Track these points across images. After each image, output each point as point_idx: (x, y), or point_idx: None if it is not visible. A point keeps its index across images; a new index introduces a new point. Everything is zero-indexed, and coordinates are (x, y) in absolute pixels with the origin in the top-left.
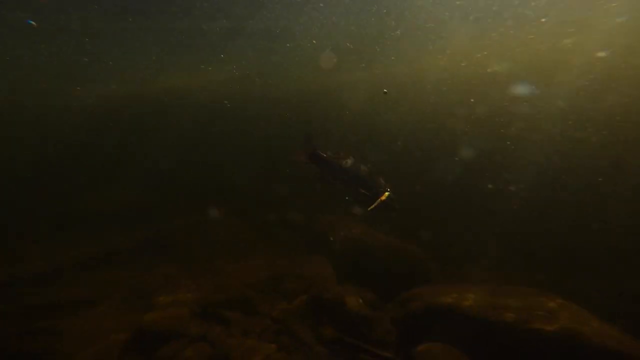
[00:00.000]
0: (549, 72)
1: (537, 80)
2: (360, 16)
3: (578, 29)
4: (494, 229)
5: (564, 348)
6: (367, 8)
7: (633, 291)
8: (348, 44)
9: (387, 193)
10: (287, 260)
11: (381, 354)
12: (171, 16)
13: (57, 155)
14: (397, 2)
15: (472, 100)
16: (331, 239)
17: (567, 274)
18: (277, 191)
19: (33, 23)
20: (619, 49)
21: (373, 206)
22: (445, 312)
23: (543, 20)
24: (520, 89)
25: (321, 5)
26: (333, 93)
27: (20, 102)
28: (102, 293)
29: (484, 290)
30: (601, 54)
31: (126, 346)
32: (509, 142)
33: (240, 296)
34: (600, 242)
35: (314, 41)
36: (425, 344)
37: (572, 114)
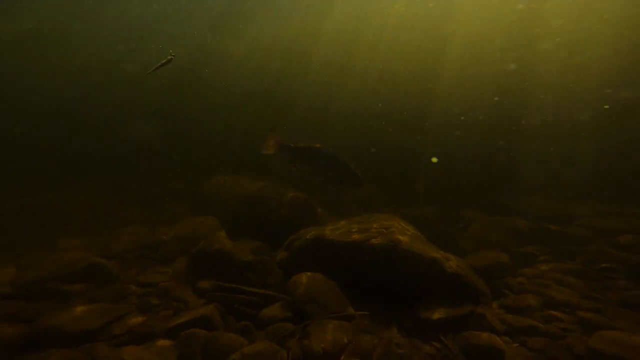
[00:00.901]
0: None
1: None
2: None
3: None
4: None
5: (387, 255)
6: None
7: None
8: None
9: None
10: (167, 226)
11: (257, 291)
12: None
13: None
14: None
15: None
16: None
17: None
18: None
19: None
20: None
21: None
22: (316, 244)
23: None
24: None
25: None
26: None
27: None
28: None
29: (354, 219)
30: None
31: None
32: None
33: (90, 268)
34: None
35: None
36: (295, 275)
37: None
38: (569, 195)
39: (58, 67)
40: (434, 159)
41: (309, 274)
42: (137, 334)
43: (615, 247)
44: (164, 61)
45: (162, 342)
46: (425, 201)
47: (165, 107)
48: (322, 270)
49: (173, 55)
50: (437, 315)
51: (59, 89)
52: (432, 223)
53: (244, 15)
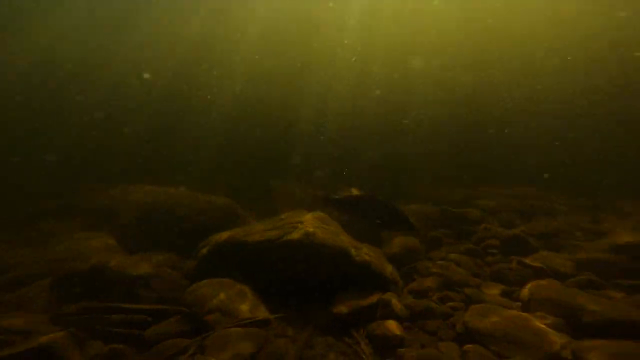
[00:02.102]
0: None
1: None
2: None
3: None
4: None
5: (300, 250)
6: None
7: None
8: None
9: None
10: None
11: (144, 307)
12: None
13: None
14: None
15: None
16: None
17: None
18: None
19: None
20: None
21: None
22: (226, 247)
23: None
24: None
25: None
26: None
27: None
28: None
29: (276, 218)
30: None
31: None
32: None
33: None
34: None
35: None
36: (196, 284)
37: None
38: (476, 181)
39: None
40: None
41: (215, 280)
42: None
43: (496, 224)
44: None
45: None
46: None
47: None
48: (235, 275)
49: None
50: (346, 309)
51: None
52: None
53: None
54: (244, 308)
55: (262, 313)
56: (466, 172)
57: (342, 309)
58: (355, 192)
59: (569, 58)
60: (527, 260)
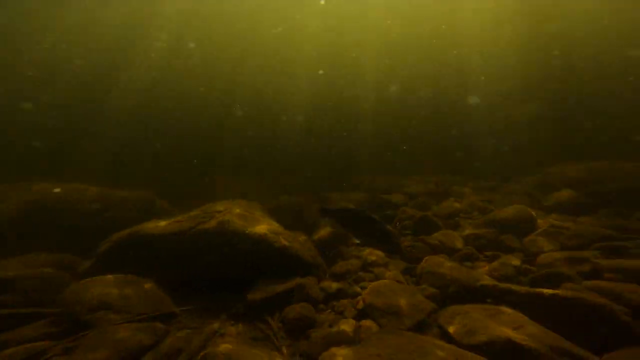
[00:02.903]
0: None
1: None
2: None
3: None
4: None
5: (216, 238)
6: None
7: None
8: None
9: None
10: None
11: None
12: None
13: None
14: None
15: None
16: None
17: None
18: None
19: None
20: None
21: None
22: (130, 242)
23: None
24: None
25: None
26: None
27: None
28: None
29: (196, 210)
30: None
31: None
32: None
33: None
34: None
35: None
36: (82, 281)
37: None
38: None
39: None
40: None
41: (107, 277)
42: None
43: (413, 207)
44: None
45: None
46: (300, 188)
47: None
48: (139, 270)
49: None
50: (260, 295)
51: None
52: (302, 207)
53: None
54: (146, 303)
55: (167, 307)
56: (399, 164)
57: (256, 295)
58: (349, 205)
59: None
60: (429, 239)
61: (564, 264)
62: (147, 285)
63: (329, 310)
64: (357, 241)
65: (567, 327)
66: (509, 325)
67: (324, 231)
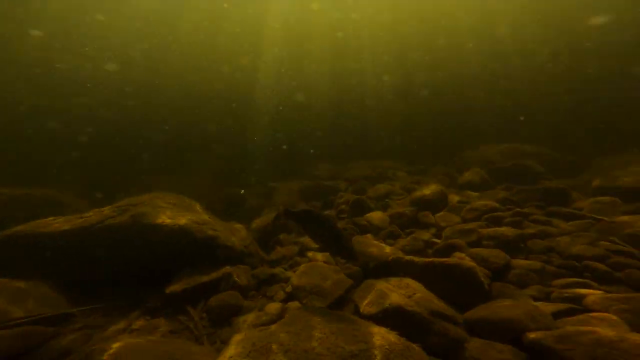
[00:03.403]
0: None
1: None
2: None
3: None
4: None
5: (128, 232)
6: None
7: None
8: None
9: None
10: None
11: None
12: None
13: None
14: None
15: None
16: None
17: None
18: None
19: None
20: None
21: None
22: (18, 242)
23: None
24: None
25: None
26: None
27: None
28: None
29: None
30: None
31: None
32: None
33: None
34: None
35: None
36: None
37: None
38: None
39: None
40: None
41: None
42: None
43: (351, 192)
44: None
45: None
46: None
47: None
48: (33, 272)
49: None
50: (182, 286)
51: None
52: (245, 198)
53: None
54: (20, 308)
55: (59, 309)
56: (340, 152)
57: (176, 287)
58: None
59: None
60: (359, 220)
61: (459, 236)
62: (40, 288)
63: (260, 296)
64: (316, 245)
65: (449, 291)
66: (404, 294)
67: (261, 220)
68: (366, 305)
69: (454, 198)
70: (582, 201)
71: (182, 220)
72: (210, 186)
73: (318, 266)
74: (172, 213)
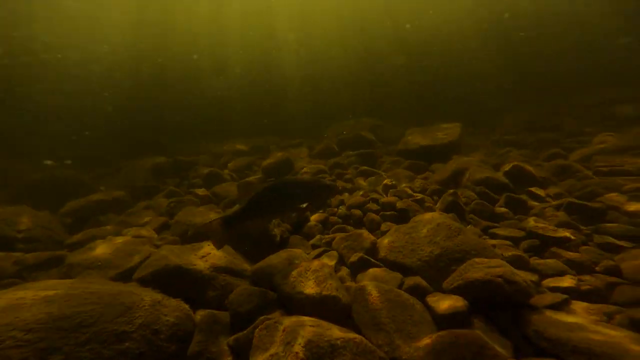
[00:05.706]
0: None
1: None
2: None
3: None
4: None
5: None
6: None
7: None
8: None
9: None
10: None
11: None
12: None
13: None
14: None
15: None
16: None
17: None
18: None
19: None
20: None
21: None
22: None
23: None
24: None
25: None
26: None
27: None
28: None
29: None
30: None
31: None
32: None
33: None
34: None
35: None
36: None
37: None
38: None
39: None
40: None
41: None
42: None
43: (210, 166)
44: None
45: None
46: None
47: None
48: None
49: None
50: None
51: None
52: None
53: None
54: None
55: None
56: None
57: None
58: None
59: None
60: (199, 191)
61: None
62: None
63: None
64: None
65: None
66: (200, 256)
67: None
68: (143, 268)
69: (301, 165)
70: (386, 162)
71: None
72: None
73: (130, 241)
74: None
